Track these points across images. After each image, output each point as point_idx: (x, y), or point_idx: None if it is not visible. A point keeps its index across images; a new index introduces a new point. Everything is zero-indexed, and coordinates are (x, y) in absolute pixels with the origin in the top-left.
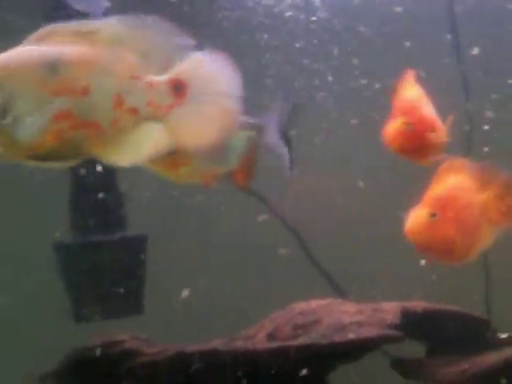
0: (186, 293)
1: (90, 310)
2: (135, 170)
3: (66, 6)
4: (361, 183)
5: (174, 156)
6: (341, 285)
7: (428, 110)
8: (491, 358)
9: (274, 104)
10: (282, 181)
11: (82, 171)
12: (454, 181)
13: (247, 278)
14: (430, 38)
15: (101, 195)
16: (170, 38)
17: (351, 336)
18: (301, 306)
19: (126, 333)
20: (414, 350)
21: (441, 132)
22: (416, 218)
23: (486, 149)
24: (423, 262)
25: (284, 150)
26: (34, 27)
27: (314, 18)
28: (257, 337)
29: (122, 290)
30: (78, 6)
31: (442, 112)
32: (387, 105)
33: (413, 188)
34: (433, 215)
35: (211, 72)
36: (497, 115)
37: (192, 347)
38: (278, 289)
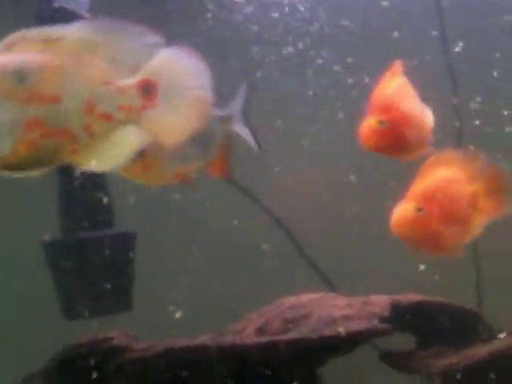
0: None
1: (79, 307)
2: None
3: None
4: (352, 177)
5: (143, 158)
6: (332, 282)
7: (407, 105)
8: (482, 351)
9: (239, 93)
10: (270, 178)
11: (70, 169)
12: (440, 174)
13: (236, 276)
14: (417, 31)
15: (89, 193)
16: (138, 39)
17: (340, 330)
18: (290, 300)
19: (114, 330)
20: (404, 342)
21: (421, 128)
22: (401, 212)
23: (473, 143)
24: (416, 259)
25: (250, 137)
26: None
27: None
28: (246, 331)
29: (111, 288)
30: (62, 2)
31: (430, 106)
32: None
33: (402, 182)
34: (419, 209)
35: (179, 69)
36: (483, 108)
37: (180, 343)
38: (266, 287)
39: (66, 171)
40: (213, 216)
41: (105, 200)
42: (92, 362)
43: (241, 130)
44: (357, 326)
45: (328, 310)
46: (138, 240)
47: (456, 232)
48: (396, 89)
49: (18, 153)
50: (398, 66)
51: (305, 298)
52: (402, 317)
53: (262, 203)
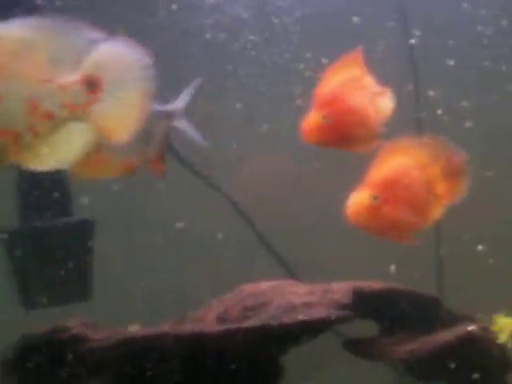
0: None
1: (37, 297)
2: None
3: None
4: (314, 165)
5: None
6: (292, 270)
7: (351, 98)
8: (443, 337)
9: (185, 91)
10: (231, 167)
11: None
12: (396, 161)
13: (197, 266)
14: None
15: (47, 182)
16: (78, 34)
17: (300, 317)
18: (250, 287)
19: (73, 319)
20: (367, 329)
21: (368, 121)
22: (357, 200)
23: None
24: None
25: (194, 132)
26: None
27: None
28: (206, 319)
29: (69, 276)
30: None
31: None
32: None
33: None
34: (374, 197)
35: (121, 61)
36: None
37: (140, 331)
38: (227, 275)
39: None
40: (173, 206)
41: (63, 188)
42: (51, 352)
43: (184, 126)
44: (317, 313)
45: (288, 297)
46: (99, 229)
47: (413, 219)
48: (341, 81)
49: None
50: (352, 55)
51: (265, 285)
52: (364, 304)
53: (223, 191)
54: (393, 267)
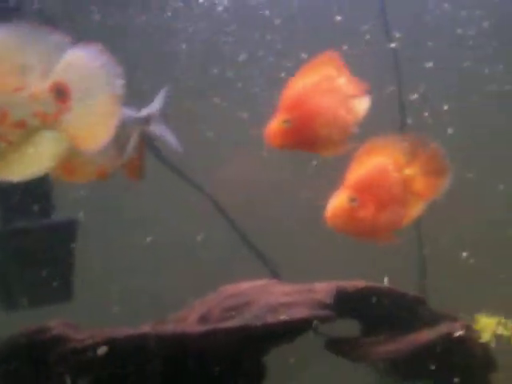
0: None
1: (17, 298)
2: None
3: None
4: (297, 165)
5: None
6: (275, 270)
7: (317, 102)
8: (424, 336)
9: (158, 96)
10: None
11: None
12: (374, 161)
13: (178, 268)
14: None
15: (29, 183)
16: (45, 41)
17: (282, 317)
18: (233, 287)
19: (55, 319)
20: (349, 329)
21: (335, 124)
22: (335, 203)
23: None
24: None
25: (170, 136)
26: None
27: None
28: (188, 320)
29: (50, 277)
30: None
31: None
32: None
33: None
34: (352, 199)
35: (89, 67)
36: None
37: (121, 332)
38: (210, 277)
39: None
40: (152, 206)
41: (44, 189)
42: (32, 353)
43: (160, 131)
44: (299, 313)
45: (270, 297)
46: (82, 230)
47: (392, 219)
48: (308, 83)
49: None
50: (327, 55)
51: (247, 285)
52: (347, 303)
53: (206, 191)
54: (386, 279)
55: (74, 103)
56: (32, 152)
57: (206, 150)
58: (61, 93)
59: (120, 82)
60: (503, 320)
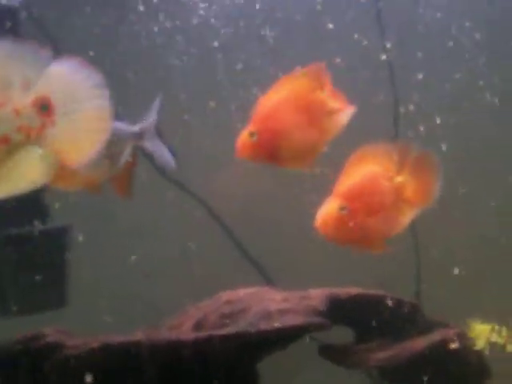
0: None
1: (10, 304)
2: None
3: None
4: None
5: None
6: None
7: (288, 116)
8: (419, 344)
9: (151, 110)
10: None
11: None
12: (364, 169)
13: (176, 273)
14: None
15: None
16: (27, 55)
17: (276, 324)
18: (228, 294)
19: (49, 326)
20: (343, 336)
21: (303, 139)
22: (325, 212)
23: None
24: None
25: (165, 151)
26: None
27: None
28: (183, 326)
29: (43, 284)
30: None
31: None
32: None
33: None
34: (342, 208)
35: (73, 81)
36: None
37: (116, 339)
38: (204, 284)
39: None
40: (146, 214)
41: (39, 196)
42: (26, 360)
43: (153, 146)
44: (293, 320)
45: (265, 304)
46: (76, 236)
47: (383, 227)
48: (282, 96)
49: None
50: (308, 68)
51: (242, 292)
52: (341, 310)
53: (199, 198)
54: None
55: (58, 117)
56: (17, 168)
57: (201, 160)
58: (44, 107)
59: (105, 94)
60: (497, 327)
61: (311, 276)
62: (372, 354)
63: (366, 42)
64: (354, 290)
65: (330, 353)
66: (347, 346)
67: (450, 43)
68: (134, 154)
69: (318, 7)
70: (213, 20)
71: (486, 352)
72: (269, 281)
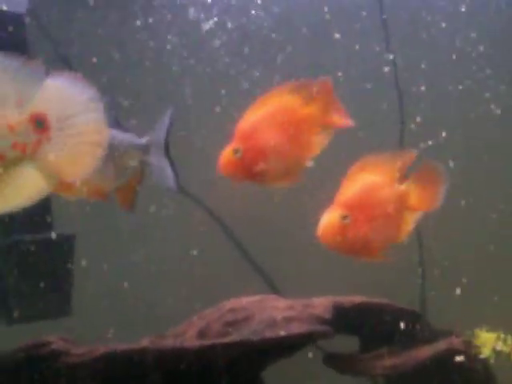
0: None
1: (16, 312)
2: None
3: None
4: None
5: None
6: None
7: (268, 134)
8: (424, 352)
9: (158, 123)
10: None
11: None
12: (366, 178)
13: (180, 280)
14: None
15: None
16: (20, 71)
17: (281, 332)
18: (231, 302)
19: (53, 334)
20: (348, 344)
21: (286, 158)
22: (327, 221)
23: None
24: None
25: (168, 170)
26: None
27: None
28: (186, 334)
29: (48, 292)
30: (1, 4)
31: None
32: None
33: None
34: (344, 217)
35: (68, 97)
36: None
37: (120, 347)
38: (211, 290)
39: None
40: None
41: (44, 203)
42: (31, 367)
43: (158, 161)
44: (297, 328)
45: (269, 312)
46: (80, 243)
47: (385, 235)
48: (264, 114)
49: None
50: (290, 85)
51: (246, 300)
52: (345, 318)
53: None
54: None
55: (54, 133)
56: (13, 184)
57: (204, 164)
58: (39, 123)
59: (100, 108)
60: (503, 335)
61: (315, 282)
62: (377, 362)
63: (370, 53)
64: (357, 299)
65: (335, 361)
66: (352, 354)
67: (455, 54)
68: (140, 169)
69: (327, 17)
70: (220, 33)
71: (492, 360)
72: (273, 287)
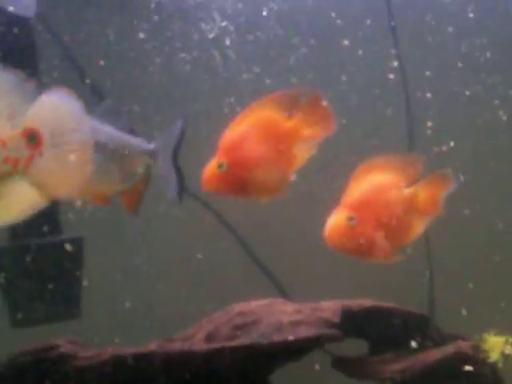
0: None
1: (25, 314)
2: None
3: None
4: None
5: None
6: (283, 288)
7: (252, 147)
8: (432, 356)
9: (167, 130)
10: None
11: None
12: (372, 180)
13: (190, 283)
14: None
15: None
16: (12, 86)
17: (289, 336)
18: (240, 306)
19: (62, 337)
20: (357, 348)
21: (270, 171)
22: (333, 222)
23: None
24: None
25: (173, 180)
26: None
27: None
28: (195, 338)
29: (57, 294)
30: (10, 8)
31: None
32: None
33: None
34: (351, 218)
35: (60, 112)
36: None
37: (128, 350)
38: (220, 293)
39: None
40: (166, 222)
41: (52, 206)
42: (38, 371)
43: (164, 169)
44: (305, 332)
45: (277, 315)
46: (88, 246)
47: (392, 237)
48: (247, 127)
49: None
50: (274, 97)
51: (254, 304)
52: (353, 322)
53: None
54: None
55: (46, 148)
56: (4, 199)
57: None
58: (32, 138)
59: (88, 128)
60: (511, 339)
61: (323, 285)
62: (385, 366)
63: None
64: (365, 302)
65: (344, 365)
66: (360, 357)
67: (463, 61)
68: (147, 174)
69: (338, 22)
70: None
71: (500, 365)
72: (281, 290)
